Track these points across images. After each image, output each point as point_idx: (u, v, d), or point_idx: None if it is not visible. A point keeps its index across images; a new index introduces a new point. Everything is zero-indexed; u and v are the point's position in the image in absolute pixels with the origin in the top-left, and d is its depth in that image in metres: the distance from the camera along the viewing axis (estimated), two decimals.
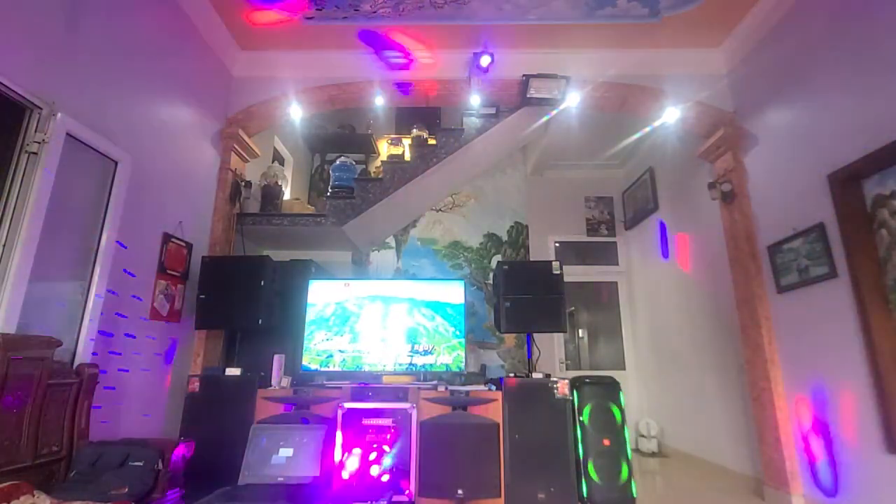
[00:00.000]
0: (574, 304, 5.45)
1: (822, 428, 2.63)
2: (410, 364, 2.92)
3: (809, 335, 2.75)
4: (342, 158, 4.13)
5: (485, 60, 3.45)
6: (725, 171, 3.42)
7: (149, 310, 2.68)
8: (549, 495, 2.49)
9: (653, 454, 4.43)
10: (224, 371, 2.76)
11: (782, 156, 2.99)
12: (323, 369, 2.92)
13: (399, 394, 2.67)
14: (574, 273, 4.70)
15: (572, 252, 5.33)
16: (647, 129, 4.20)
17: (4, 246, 1.85)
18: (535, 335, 2.98)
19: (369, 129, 5.51)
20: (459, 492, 2.47)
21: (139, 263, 2.63)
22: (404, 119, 5.58)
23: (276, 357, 2.85)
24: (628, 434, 2.70)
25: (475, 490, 2.49)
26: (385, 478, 2.48)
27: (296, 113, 3.78)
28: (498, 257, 4.89)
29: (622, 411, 2.72)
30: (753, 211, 3.23)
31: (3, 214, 1.87)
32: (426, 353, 2.92)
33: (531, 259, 4.90)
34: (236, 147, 3.56)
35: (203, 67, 3.34)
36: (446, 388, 2.70)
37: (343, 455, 2.50)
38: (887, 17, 2.29)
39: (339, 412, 2.59)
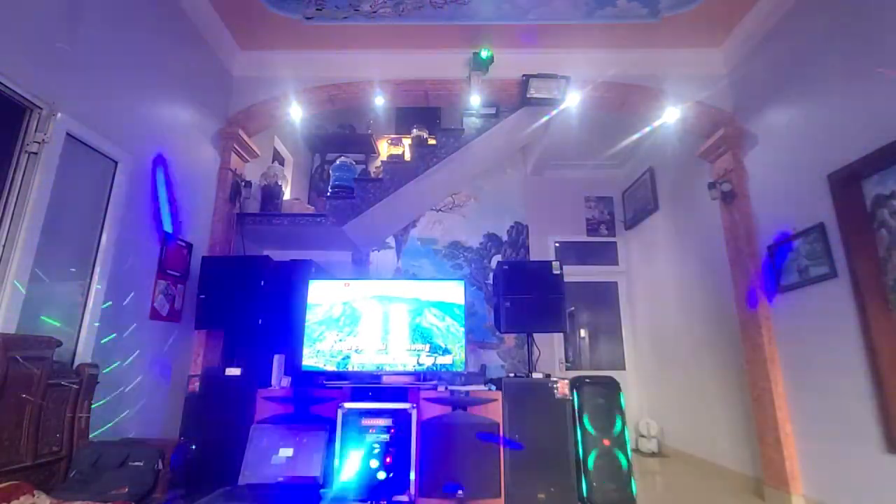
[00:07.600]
0: (574, 304, 5.45)
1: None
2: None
3: (809, 335, 2.75)
4: (342, 158, 4.13)
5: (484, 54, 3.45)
6: (725, 171, 3.42)
7: (149, 310, 2.68)
8: (549, 495, 2.49)
9: (653, 454, 4.43)
10: (224, 371, 2.76)
11: (782, 156, 2.99)
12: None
13: (399, 394, 2.66)
14: (574, 273, 4.69)
15: (572, 252, 5.33)
16: (647, 129, 4.20)
17: (4, 246, 1.85)
18: (535, 335, 2.98)
19: (369, 129, 5.50)
20: (459, 492, 2.47)
21: (139, 263, 2.63)
22: (404, 119, 5.57)
23: (276, 357, 2.85)
24: (628, 434, 2.70)
25: (475, 490, 2.48)
26: (385, 478, 2.48)
27: (296, 113, 3.78)
28: (498, 257, 4.89)
29: (622, 411, 2.72)
30: (753, 211, 3.23)
31: (3, 214, 1.87)
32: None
33: (531, 259, 4.89)
34: (236, 147, 3.56)
35: (203, 67, 3.34)
36: (446, 388, 2.70)
37: (343, 455, 2.50)
38: (887, 18, 2.29)
39: (339, 412, 2.59)
